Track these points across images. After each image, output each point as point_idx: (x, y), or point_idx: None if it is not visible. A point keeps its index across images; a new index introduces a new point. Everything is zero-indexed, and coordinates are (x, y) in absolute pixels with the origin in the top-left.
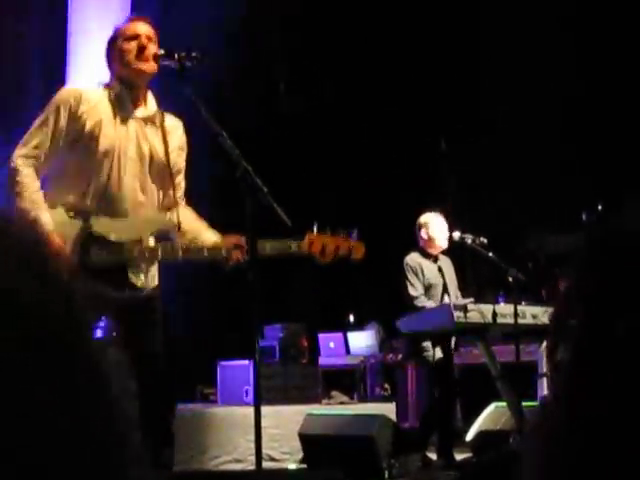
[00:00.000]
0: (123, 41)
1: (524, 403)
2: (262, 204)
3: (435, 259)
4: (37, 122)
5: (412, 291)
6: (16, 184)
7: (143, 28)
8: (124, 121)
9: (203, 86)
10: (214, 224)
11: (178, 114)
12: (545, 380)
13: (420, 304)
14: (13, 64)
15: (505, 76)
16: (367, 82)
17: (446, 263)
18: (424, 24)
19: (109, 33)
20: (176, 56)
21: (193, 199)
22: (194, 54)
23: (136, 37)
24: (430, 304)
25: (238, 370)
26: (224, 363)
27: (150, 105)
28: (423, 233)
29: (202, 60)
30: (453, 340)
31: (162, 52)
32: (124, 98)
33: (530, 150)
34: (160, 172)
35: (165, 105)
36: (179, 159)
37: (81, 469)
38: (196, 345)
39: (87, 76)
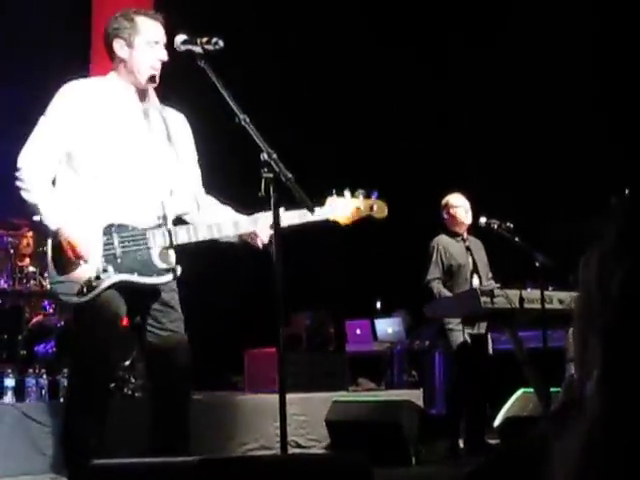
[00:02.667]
0: (144, 43)
1: (552, 389)
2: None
3: (463, 239)
4: None
5: (428, 274)
6: None
7: (163, 35)
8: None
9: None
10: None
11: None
12: (572, 365)
13: (433, 288)
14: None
15: (530, 60)
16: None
17: (475, 244)
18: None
19: None
20: (198, 41)
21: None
22: (215, 39)
23: (157, 44)
24: (443, 290)
25: (265, 357)
26: (251, 351)
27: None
28: (445, 213)
29: (222, 45)
30: (484, 325)
31: (185, 38)
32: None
33: (556, 134)
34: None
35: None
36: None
37: None
38: (224, 333)
39: None
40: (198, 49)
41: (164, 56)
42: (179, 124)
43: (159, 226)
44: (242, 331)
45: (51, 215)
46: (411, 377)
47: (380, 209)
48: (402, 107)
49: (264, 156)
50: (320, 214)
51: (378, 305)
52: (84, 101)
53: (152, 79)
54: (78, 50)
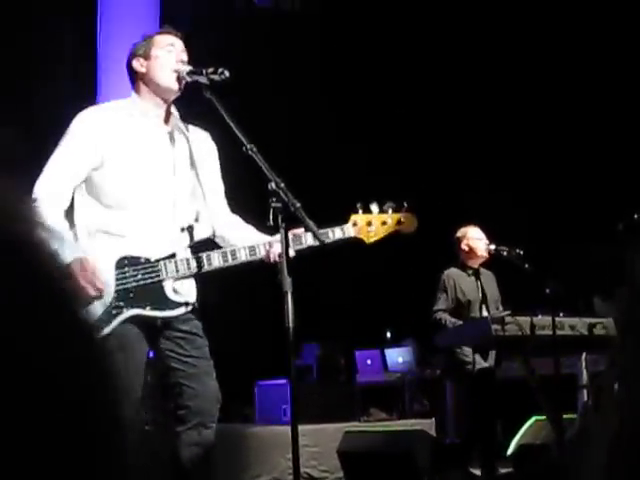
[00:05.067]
0: (159, 50)
1: (564, 416)
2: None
3: (476, 272)
4: None
5: (435, 306)
6: None
7: (179, 41)
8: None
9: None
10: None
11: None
12: (585, 392)
13: (438, 317)
14: (44, 90)
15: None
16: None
17: (488, 278)
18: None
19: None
20: (204, 72)
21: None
22: (220, 69)
23: (172, 46)
24: (448, 317)
25: (276, 389)
26: (262, 383)
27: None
28: (463, 245)
29: (228, 76)
30: (493, 354)
31: (190, 68)
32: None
33: (562, 159)
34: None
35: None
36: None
37: None
38: (233, 365)
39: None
40: (204, 79)
41: (184, 57)
42: (203, 143)
43: (172, 256)
44: (252, 362)
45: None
46: (423, 406)
47: (409, 223)
48: (409, 134)
49: (272, 185)
50: (344, 233)
51: (388, 335)
52: (103, 127)
53: (178, 80)
54: (85, 81)
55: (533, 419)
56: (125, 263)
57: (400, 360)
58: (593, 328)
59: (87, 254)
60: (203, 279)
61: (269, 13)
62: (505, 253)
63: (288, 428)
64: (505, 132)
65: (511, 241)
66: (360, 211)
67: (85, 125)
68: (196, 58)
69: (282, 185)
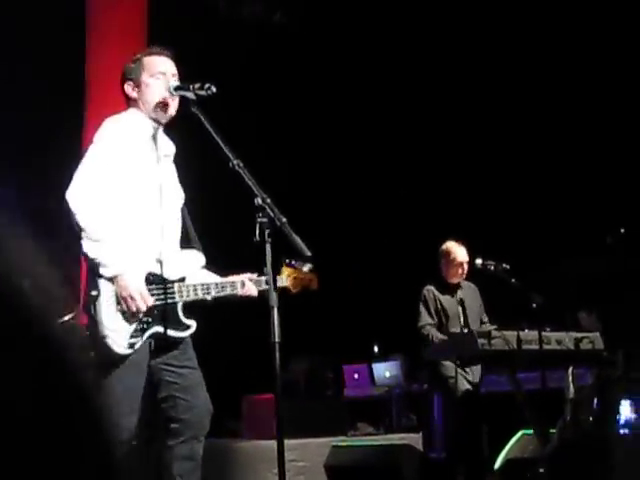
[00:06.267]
0: (148, 78)
1: (551, 430)
2: (280, 233)
3: (455, 288)
4: None
5: (420, 321)
6: None
7: (169, 65)
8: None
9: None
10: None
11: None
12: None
13: (425, 332)
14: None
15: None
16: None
17: (469, 291)
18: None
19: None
20: (191, 87)
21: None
22: (207, 85)
23: (163, 74)
24: (435, 332)
25: (263, 404)
26: (249, 397)
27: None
28: (445, 261)
29: (215, 91)
30: (479, 369)
31: (177, 84)
32: None
33: (552, 172)
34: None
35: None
36: None
37: None
38: (221, 380)
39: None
40: (191, 95)
41: (173, 84)
42: (177, 182)
43: (182, 280)
44: (240, 377)
45: (113, 258)
46: (410, 421)
47: (314, 282)
48: (396, 152)
49: (258, 201)
50: (281, 282)
51: (375, 349)
52: (123, 139)
53: (164, 109)
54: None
55: (520, 433)
56: (151, 280)
57: (387, 374)
58: (579, 342)
59: (130, 270)
60: None
61: (254, 24)
62: (492, 267)
63: (275, 443)
64: (492, 148)
65: (498, 255)
66: (286, 264)
67: (114, 131)
68: (181, 70)
69: (268, 200)
